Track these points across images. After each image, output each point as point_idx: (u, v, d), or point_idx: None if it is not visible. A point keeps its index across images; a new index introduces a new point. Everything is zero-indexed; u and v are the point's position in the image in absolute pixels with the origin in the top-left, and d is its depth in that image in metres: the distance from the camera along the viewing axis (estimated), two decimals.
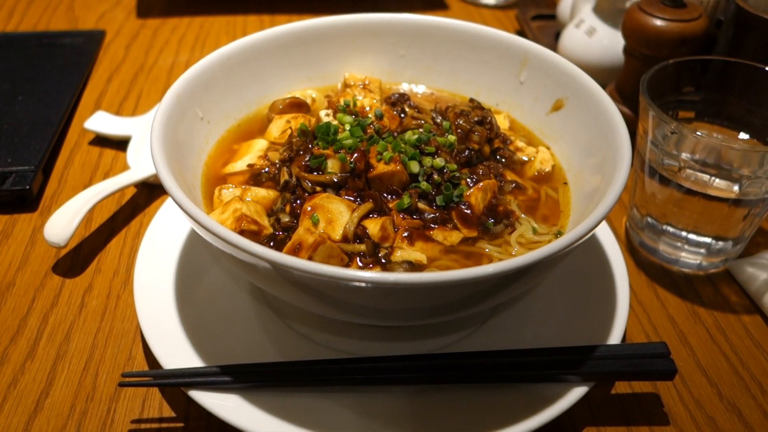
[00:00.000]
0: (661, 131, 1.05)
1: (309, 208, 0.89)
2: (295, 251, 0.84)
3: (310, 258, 0.83)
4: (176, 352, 0.91)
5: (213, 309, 0.98)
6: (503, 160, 1.02)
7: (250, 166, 0.99)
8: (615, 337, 0.89)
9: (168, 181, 0.82)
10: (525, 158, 1.03)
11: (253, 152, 1.05)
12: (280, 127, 1.08)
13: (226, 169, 0.99)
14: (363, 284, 0.71)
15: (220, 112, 1.09)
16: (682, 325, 1.07)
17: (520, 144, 1.05)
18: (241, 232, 0.88)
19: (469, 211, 0.90)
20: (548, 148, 1.05)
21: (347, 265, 0.86)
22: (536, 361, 0.89)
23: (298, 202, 0.93)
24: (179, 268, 1.04)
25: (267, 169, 1.02)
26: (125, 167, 1.26)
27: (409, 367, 0.89)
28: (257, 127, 1.13)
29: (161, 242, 1.08)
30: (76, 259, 1.16)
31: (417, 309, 0.81)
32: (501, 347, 0.88)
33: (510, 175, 0.98)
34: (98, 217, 1.24)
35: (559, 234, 0.93)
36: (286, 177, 0.96)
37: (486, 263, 0.89)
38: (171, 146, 0.92)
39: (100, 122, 1.41)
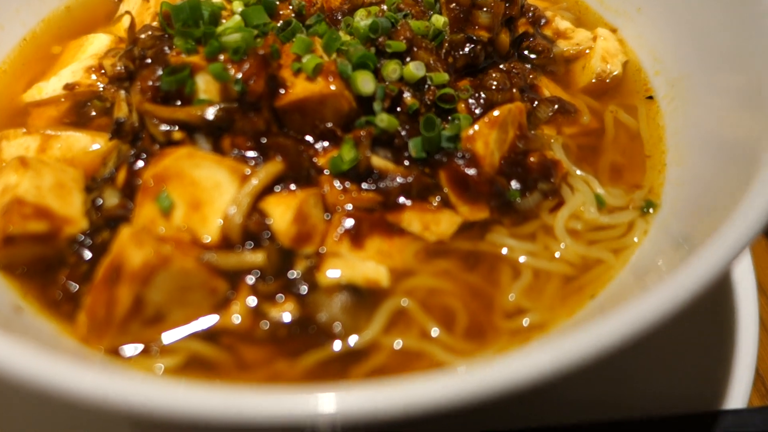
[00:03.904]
0: None
1: (151, 181, 0.46)
2: (109, 285, 0.41)
3: (137, 298, 0.40)
4: None
5: None
6: (533, 56, 0.66)
7: (69, 87, 0.63)
8: (738, 397, 0.56)
9: None
10: (572, 50, 0.67)
11: (82, 59, 0.67)
12: (134, 10, 0.64)
13: (28, 96, 0.62)
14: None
15: None
16: None
17: (563, 25, 0.72)
18: (7, 240, 0.44)
19: (473, 170, 0.49)
20: (614, 31, 0.71)
21: (228, 300, 0.46)
22: None
23: (143, 161, 0.49)
24: None
25: (102, 94, 0.59)
26: None
27: None
28: (104, 13, 0.71)
29: None
30: None
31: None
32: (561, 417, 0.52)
33: (547, 86, 0.67)
34: None
35: (649, 207, 0.52)
36: (123, 112, 0.52)
37: (507, 275, 0.50)
38: None
39: None
